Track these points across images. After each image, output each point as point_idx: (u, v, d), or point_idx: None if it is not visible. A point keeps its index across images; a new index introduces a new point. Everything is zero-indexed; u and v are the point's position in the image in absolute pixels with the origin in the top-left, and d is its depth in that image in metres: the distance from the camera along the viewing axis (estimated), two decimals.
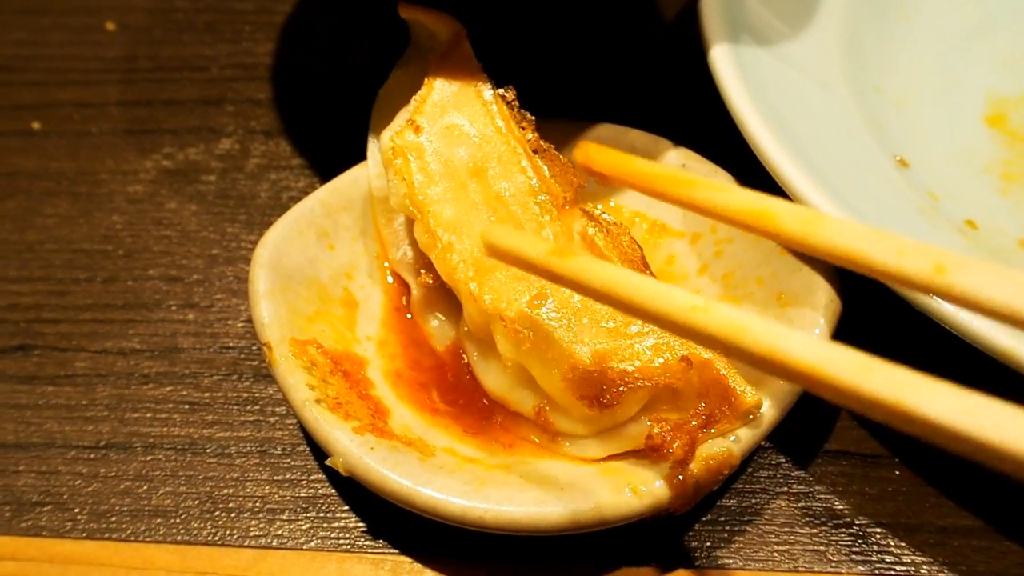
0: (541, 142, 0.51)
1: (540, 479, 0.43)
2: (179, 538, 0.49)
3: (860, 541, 0.47)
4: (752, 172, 0.50)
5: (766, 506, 0.48)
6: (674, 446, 0.42)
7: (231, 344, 0.55)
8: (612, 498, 0.41)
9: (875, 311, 0.50)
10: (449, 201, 0.48)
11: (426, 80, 0.52)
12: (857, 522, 0.48)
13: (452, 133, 0.50)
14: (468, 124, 0.51)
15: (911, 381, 0.31)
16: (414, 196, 0.48)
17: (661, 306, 0.34)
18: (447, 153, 0.50)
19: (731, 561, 0.47)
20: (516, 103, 0.52)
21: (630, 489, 0.42)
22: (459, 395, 0.49)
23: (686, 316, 0.33)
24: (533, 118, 0.52)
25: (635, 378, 0.43)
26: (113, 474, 0.51)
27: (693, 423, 0.43)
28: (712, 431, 0.43)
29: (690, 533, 0.48)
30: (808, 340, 0.32)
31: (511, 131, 0.51)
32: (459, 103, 0.51)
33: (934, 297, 0.43)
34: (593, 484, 0.42)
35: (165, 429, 0.52)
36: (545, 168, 0.50)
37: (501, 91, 0.52)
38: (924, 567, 0.46)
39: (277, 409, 0.53)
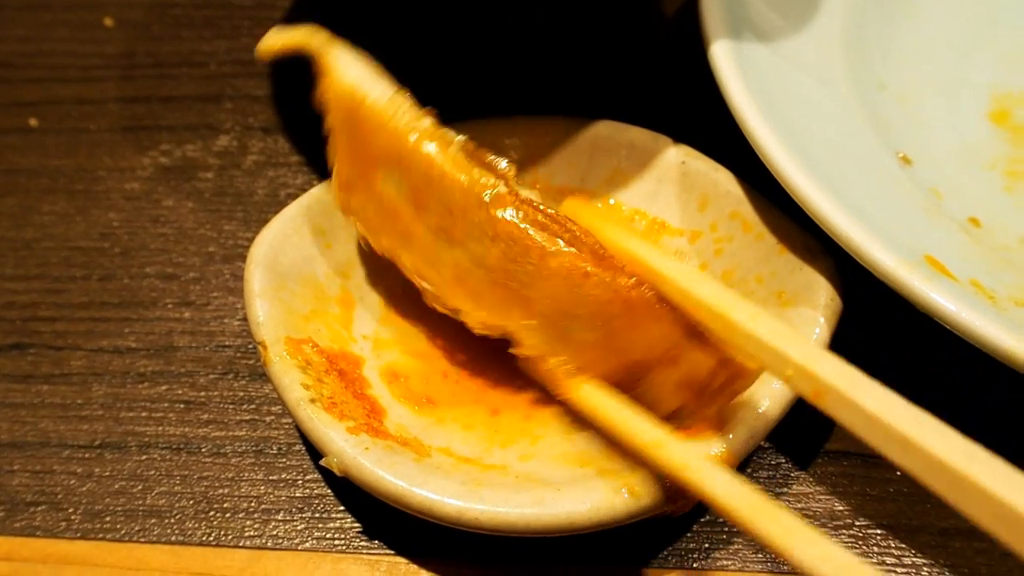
0: (458, 139, 0.48)
1: (537, 480, 0.43)
2: (174, 538, 0.48)
3: (860, 542, 0.47)
4: (753, 169, 0.50)
5: None
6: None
7: (227, 343, 0.55)
8: (609, 499, 0.41)
9: (876, 310, 0.50)
10: (405, 248, 0.48)
11: (326, 125, 0.51)
12: (858, 523, 0.47)
13: (376, 175, 0.48)
14: (386, 155, 0.48)
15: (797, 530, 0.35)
16: (380, 251, 0.48)
17: None
18: (382, 198, 0.48)
19: (730, 562, 0.46)
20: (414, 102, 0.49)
21: (627, 490, 0.41)
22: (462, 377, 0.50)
23: None
24: (433, 110, 0.49)
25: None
26: (108, 474, 0.51)
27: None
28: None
29: (688, 534, 0.47)
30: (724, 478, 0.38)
31: (421, 143, 0.47)
32: (364, 133, 0.49)
33: (936, 296, 0.42)
34: (590, 485, 0.41)
35: (160, 428, 0.52)
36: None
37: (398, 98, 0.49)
38: (925, 569, 0.46)
39: (273, 408, 0.52)
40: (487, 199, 0.45)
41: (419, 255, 0.47)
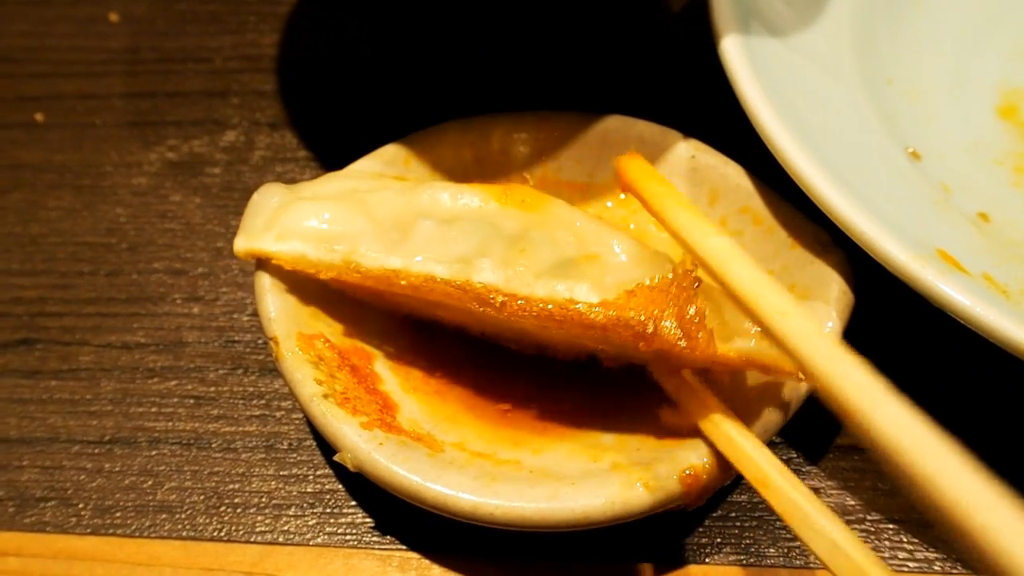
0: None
1: (551, 474, 0.43)
2: (184, 534, 0.48)
3: (872, 537, 0.47)
4: (763, 164, 0.50)
5: None
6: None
7: (236, 338, 0.55)
8: (623, 493, 0.41)
9: (888, 304, 0.50)
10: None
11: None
12: (869, 518, 0.47)
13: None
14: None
15: None
16: None
17: None
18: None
19: (743, 557, 0.46)
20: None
21: (641, 484, 0.41)
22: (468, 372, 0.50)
23: None
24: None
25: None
26: (117, 469, 0.50)
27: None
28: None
29: (701, 529, 0.47)
30: None
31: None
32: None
33: (950, 290, 0.42)
34: (604, 479, 0.41)
35: (170, 424, 0.52)
36: None
37: None
38: (937, 563, 0.46)
39: (283, 404, 0.52)
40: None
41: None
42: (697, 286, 0.42)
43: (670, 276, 0.42)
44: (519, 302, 0.43)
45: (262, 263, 0.48)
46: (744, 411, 0.43)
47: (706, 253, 0.42)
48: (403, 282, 0.45)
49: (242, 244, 0.48)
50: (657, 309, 0.41)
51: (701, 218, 0.44)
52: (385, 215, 0.47)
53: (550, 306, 0.42)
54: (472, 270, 0.44)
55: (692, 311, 0.41)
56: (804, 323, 0.38)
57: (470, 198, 0.47)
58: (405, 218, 0.47)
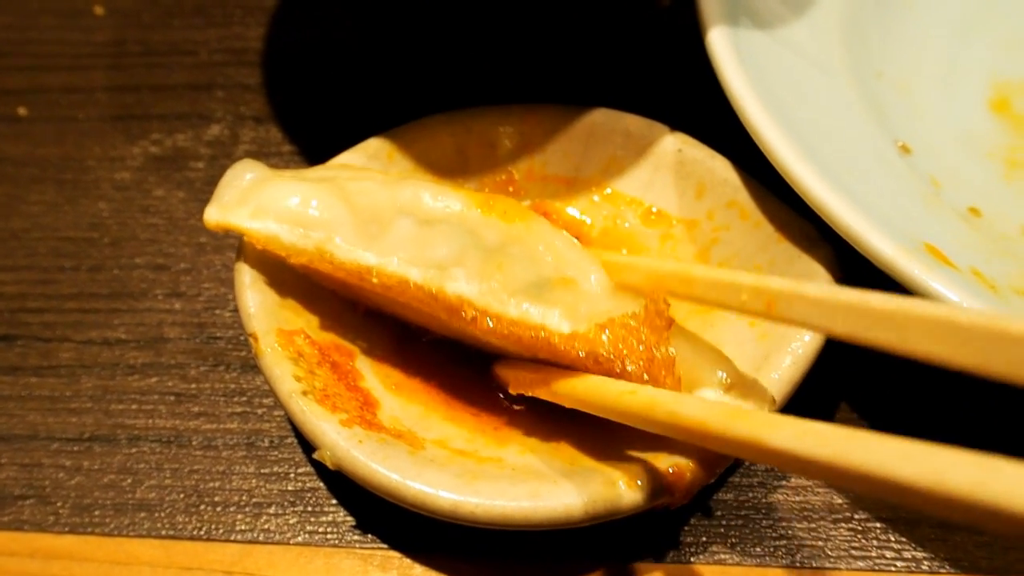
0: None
1: (533, 473, 0.42)
2: (164, 532, 0.48)
3: (859, 536, 0.46)
4: (751, 157, 0.49)
5: (763, 500, 0.47)
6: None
7: (218, 334, 0.54)
8: (606, 492, 0.40)
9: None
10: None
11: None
12: (856, 516, 0.47)
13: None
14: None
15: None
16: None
17: None
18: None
19: (727, 556, 0.46)
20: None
21: (624, 483, 0.41)
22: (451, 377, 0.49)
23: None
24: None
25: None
26: (97, 467, 0.50)
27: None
28: None
29: (686, 528, 0.47)
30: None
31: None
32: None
33: (937, 284, 0.42)
34: (586, 479, 0.41)
35: (150, 421, 0.51)
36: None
37: None
38: (925, 562, 0.45)
39: (264, 401, 0.52)
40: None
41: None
42: (670, 326, 0.42)
43: (642, 313, 0.42)
44: (488, 320, 0.43)
45: (242, 254, 0.48)
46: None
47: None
48: (375, 280, 0.44)
49: (213, 215, 0.47)
50: (627, 348, 0.41)
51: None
52: (365, 205, 0.46)
53: (522, 330, 0.42)
54: (446, 278, 0.44)
55: (661, 353, 0.41)
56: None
57: (452, 201, 0.47)
58: (385, 212, 0.46)
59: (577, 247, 0.46)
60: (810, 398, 0.45)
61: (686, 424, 0.36)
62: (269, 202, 0.47)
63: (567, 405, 0.42)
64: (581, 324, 0.42)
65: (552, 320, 0.42)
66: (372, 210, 0.46)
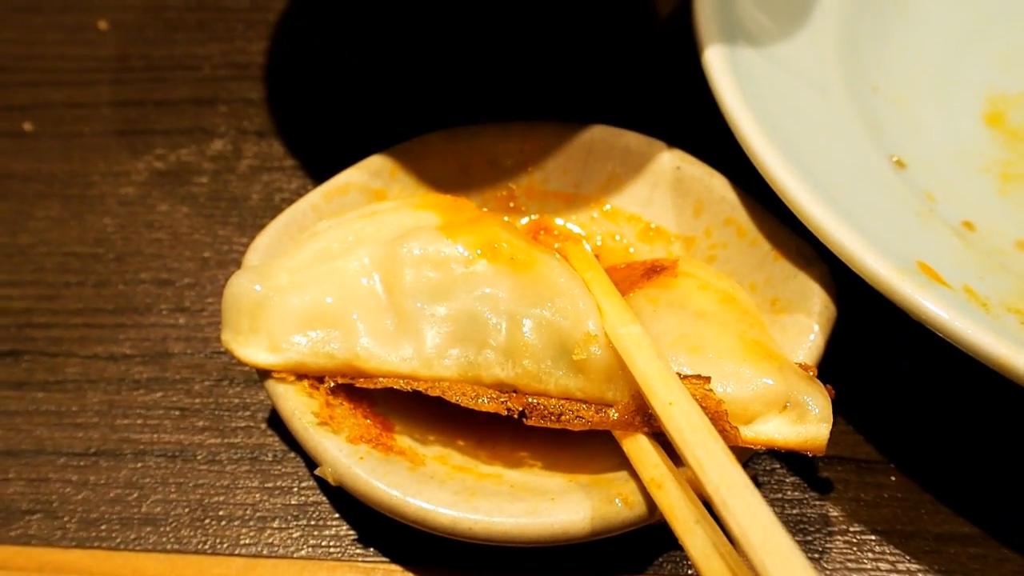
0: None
1: (531, 489, 0.43)
2: (169, 546, 0.48)
3: (855, 548, 0.47)
4: (748, 174, 0.50)
5: None
6: None
7: (222, 349, 0.55)
8: (603, 508, 0.41)
9: (871, 318, 0.50)
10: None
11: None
12: (852, 529, 0.48)
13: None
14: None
15: None
16: None
17: None
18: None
19: None
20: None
21: (620, 499, 0.41)
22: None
23: None
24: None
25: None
26: (103, 482, 0.50)
27: None
28: None
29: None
30: None
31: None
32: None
33: (929, 304, 0.42)
34: (583, 495, 0.42)
35: (155, 436, 0.52)
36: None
37: None
38: (920, 575, 0.46)
39: (268, 415, 0.52)
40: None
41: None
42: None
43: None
44: (531, 399, 0.44)
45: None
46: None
47: (618, 339, 0.43)
48: (414, 386, 0.45)
49: (229, 339, 0.47)
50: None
51: (621, 306, 0.45)
52: (373, 295, 0.46)
53: (572, 409, 0.44)
54: (480, 367, 0.44)
55: (715, 405, 0.42)
56: (686, 414, 0.40)
57: (455, 251, 0.46)
58: (394, 296, 0.46)
59: (582, 286, 0.46)
60: None
61: None
62: (280, 329, 0.46)
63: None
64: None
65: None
66: (381, 299, 0.46)
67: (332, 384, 0.46)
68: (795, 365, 0.45)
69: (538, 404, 0.44)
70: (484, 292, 0.45)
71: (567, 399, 0.44)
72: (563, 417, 0.43)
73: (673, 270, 0.49)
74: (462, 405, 0.44)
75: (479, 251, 0.46)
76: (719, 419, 0.42)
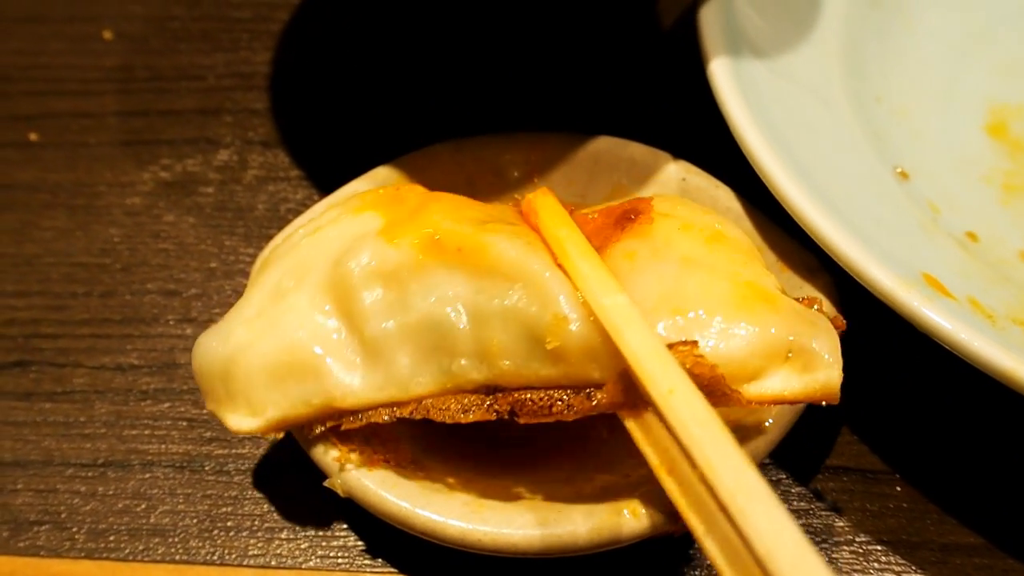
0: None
1: (539, 500, 0.43)
2: (178, 557, 0.48)
3: (861, 559, 0.47)
4: (753, 185, 0.50)
5: None
6: None
7: None
8: (611, 520, 0.41)
9: (875, 328, 0.50)
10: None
11: None
12: (858, 539, 0.48)
13: None
14: None
15: None
16: None
17: None
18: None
19: None
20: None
21: (628, 511, 0.41)
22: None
23: None
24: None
25: None
26: (111, 492, 0.51)
27: None
28: None
29: (690, 551, 0.47)
30: None
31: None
32: None
33: (934, 316, 0.43)
34: (592, 507, 0.42)
35: (163, 446, 0.52)
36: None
37: None
38: None
39: None
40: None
41: None
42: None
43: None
44: (518, 395, 0.41)
45: None
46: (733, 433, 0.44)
47: (602, 312, 0.39)
48: (397, 414, 0.43)
49: (214, 408, 0.45)
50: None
51: (602, 271, 0.41)
52: (327, 328, 0.43)
53: (561, 398, 0.41)
54: (456, 377, 0.42)
55: (709, 371, 0.39)
56: (689, 404, 0.36)
57: (398, 256, 0.43)
58: (352, 322, 0.43)
59: (532, 253, 0.42)
60: (813, 423, 0.46)
61: None
62: (252, 390, 0.43)
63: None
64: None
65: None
66: (342, 329, 0.43)
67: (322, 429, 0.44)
68: (796, 304, 0.42)
69: (527, 399, 0.41)
70: (440, 295, 0.42)
71: (554, 387, 0.41)
72: (554, 408, 0.40)
73: (648, 214, 0.45)
74: (448, 422, 0.42)
75: (424, 249, 0.43)
76: (717, 384, 0.39)
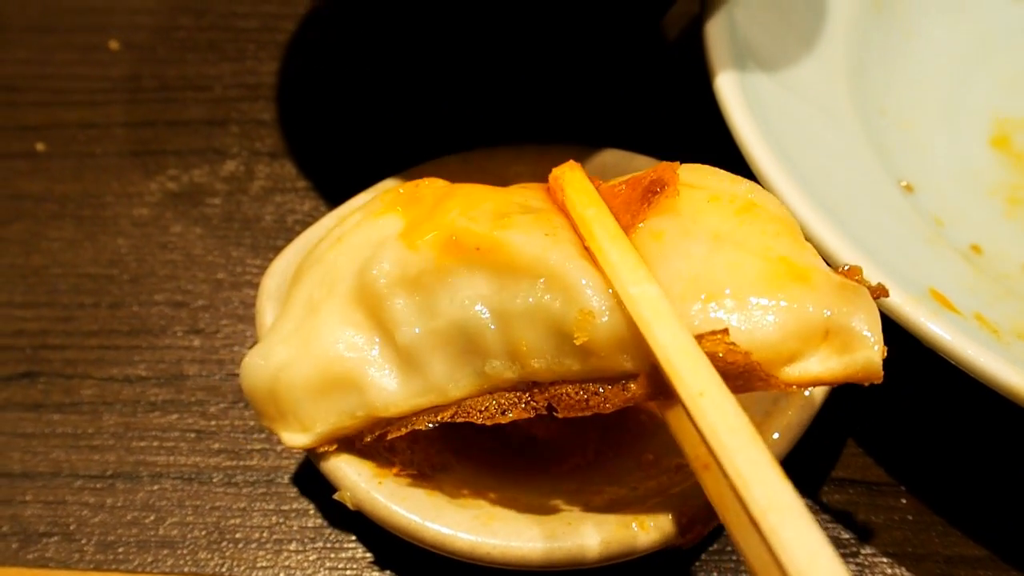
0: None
1: (549, 513, 0.43)
2: (186, 569, 0.49)
3: (866, 570, 0.47)
4: None
5: None
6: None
7: (237, 371, 0.55)
8: (620, 533, 0.42)
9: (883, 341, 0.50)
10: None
11: None
12: (863, 551, 0.48)
13: None
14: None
15: None
16: None
17: None
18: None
19: None
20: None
21: (637, 524, 0.42)
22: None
23: None
24: None
25: None
26: (120, 504, 0.51)
27: None
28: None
29: (697, 563, 0.48)
30: None
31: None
32: None
33: (941, 332, 0.43)
34: (600, 520, 0.42)
35: (172, 458, 0.52)
36: None
37: None
38: None
39: None
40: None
41: None
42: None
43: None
44: (554, 390, 0.41)
45: None
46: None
47: (631, 303, 0.38)
48: (438, 418, 0.42)
49: (268, 425, 0.46)
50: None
51: (631, 255, 0.40)
52: (362, 339, 0.44)
53: (597, 391, 0.40)
54: (491, 378, 0.41)
55: (743, 359, 0.38)
56: (720, 408, 0.35)
57: (419, 260, 0.42)
58: (384, 331, 0.43)
59: (550, 246, 0.41)
60: (819, 436, 0.46)
61: None
62: (299, 407, 0.44)
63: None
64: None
65: None
66: (376, 339, 0.44)
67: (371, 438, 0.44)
68: (833, 278, 0.39)
69: (563, 394, 0.40)
70: (464, 296, 0.41)
71: (589, 381, 0.40)
72: (591, 401, 0.40)
73: (674, 185, 0.43)
74: (489, 424, 0.41)
75: (443, 251, 0.42)
76: (752, 371, 0.37)
